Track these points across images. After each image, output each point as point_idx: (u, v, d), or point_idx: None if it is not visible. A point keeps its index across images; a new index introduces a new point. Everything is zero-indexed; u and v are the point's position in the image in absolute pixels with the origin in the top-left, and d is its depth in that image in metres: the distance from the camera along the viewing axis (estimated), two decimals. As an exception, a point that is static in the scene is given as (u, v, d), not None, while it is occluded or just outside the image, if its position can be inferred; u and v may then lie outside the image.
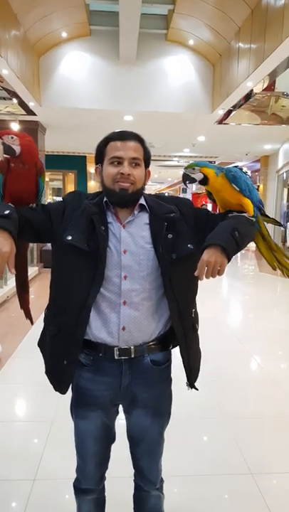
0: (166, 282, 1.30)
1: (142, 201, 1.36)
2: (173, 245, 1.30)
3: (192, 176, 1.47)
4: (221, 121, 7.69)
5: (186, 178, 1.49)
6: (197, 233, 1.37)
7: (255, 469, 2.25)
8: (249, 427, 2.70)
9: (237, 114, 7.20)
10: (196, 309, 1.45)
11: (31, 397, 3.10)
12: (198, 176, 1.47)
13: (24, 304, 1.60)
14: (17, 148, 1.37)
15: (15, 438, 2.56)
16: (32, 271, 7.80)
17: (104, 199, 1.35)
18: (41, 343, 1.46)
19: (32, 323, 1.63)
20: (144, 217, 1.35)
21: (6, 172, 1.40)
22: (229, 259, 1.22)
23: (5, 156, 1.37)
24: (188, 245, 1.33)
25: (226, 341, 4.44)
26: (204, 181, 1.47)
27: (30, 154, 1.42)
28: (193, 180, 1.48)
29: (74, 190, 1.49)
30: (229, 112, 7.12)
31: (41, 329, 1.47)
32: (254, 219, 1.46)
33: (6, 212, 1.22)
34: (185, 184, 1.52)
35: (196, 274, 1.19)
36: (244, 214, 1.42)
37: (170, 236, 1.31)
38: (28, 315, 1.62)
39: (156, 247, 1.31)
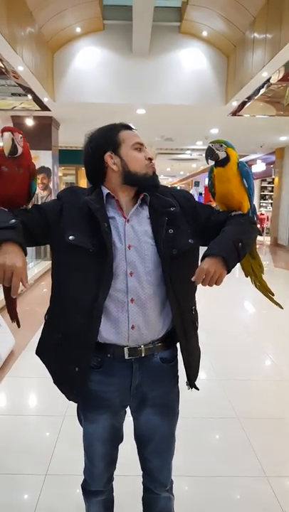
0: (166, 278, 1.27)
1: (145, 192, 1.33)
2: (173, 240, 1.28)
3: (217, 152, 1.41)
4: (234, 113, 7.59)
5: (210, 153, 1.42)
6: (197, 227, 1.34)
7: (271, 472, 2.21)
8: (264, 427, 2.66)
9: (251, 106, 7.09)
10: (195, 307, 1.42)
11: (43, 391, 3.13)
12: (222, 155, 1.41)
13: (11, 307, 1.50)
14: (20, 150, 1.34)
15: (27, 432, 2.58)
16: (43, 265, 7.85)
17: (106, 192, 1.31)
18: (41, 352, 1.40)
19: (19, 325, 1.53)
20: (145, 211, 1.32)
21: None
22: (229, 271, 1.22)
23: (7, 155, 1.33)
24: (189, 240, 1.30)
25: (239, 339, 4.40)
26: (223, 162, 1.41)
27: (27, 156, 1.38)
28: (216, 157, 1.41)
29: (68, 187, 1.44)
30: (243, 104, 7.02)
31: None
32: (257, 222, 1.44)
33: (12, 221, 1.17)
34: (207, 159, 1.45)
35: (193, 279, 1.18)
36: (248, 216, 1.40)
37: (171, 231, 1.28)
38: (15, 318, 1.53)
39: (157, 242, 1.28)
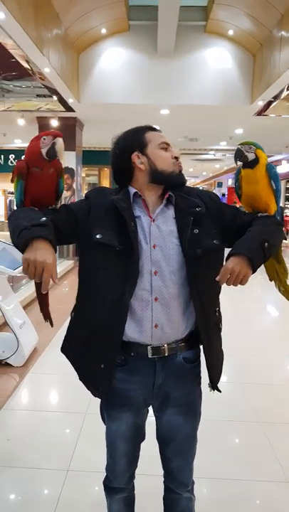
0: (190, 278, 1.27)
1: (170, 192, 1.34)
2: (198, 240, 1.28)
3: (246, 154, 1.41)
4: (260, 113, 7.50)
5: (239, 155, 1.42)
6: (222, 228, 1.34)
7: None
8: (286, 432, 2.62)
9: (277, 105, 6.98)
10: (219, 308, 1.42)
11: (66, 388, 3.16)
12: (251, 156, 1.41)
13: (44, 306, 1.53)
14: (58, 154, 1.37)
15: (49, 428, 2.62)
16: (67, 264, 7.95)
17: (133, 191, 1.33)
18: (67, 349, 1.42)
19: (52, 325, 1.56)
20: (171, 211, 1.33)
21: (27, 177, 1.37)
22: (254, 271, 1.21)
23: (46, 158, 1.36)
24: (214, 241, 1.30)
25: (262, 342, 4.35)
26: (252, 164, 1.41)
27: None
28: (245, 159, 1.41)
29: (97, 187, 1.47)
30: (269, 103, 6.92)
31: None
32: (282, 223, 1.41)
33: (42, 219, 1.20)
34: (236, 161, 1.45)
35: (217, 279, 1.18)
36: (274, 218, 1.39)
37: (196, 231, 1.28)
38: (48, 317, 1.55)
39: (182, 242, 1.28)
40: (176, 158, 1.34)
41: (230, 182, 18.66)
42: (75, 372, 1.42)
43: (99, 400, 1.46)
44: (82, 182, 10.00)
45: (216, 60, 6.90)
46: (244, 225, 1.34)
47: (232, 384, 3.18)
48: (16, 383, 3.21)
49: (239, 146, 1.42)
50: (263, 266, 1.34)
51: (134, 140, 1.33)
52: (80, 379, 1.41)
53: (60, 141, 1.35)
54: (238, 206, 1.55)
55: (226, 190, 19.05)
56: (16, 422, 2.70)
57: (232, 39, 6.80)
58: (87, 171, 14.01)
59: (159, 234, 1.29)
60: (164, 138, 1.34)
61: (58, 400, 3.14)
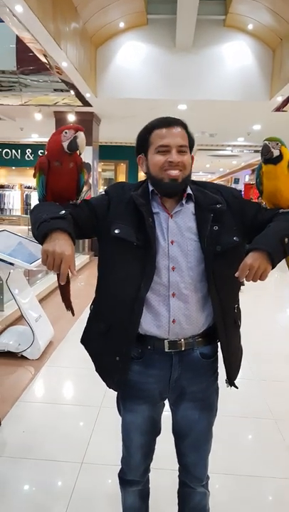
0: (209, 275, 1.27)
1: (189, 190, 1.33)
2: (218, 237, 1.27)
3: (272, 150, 1.40)
4: (279, 109, 7.39)
5: (266, 151, 1.41)
6: (244, 225, 1.33)
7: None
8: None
9: (297, 101, 6.88)
10: (238, 305, 1.41)
11: (80, 381, 3.19)
12: (276, 153, 1.40)
13: (65, 295, 1.55)
14: (78, 147, 1.38)
15: (64, 421, 2.64)
16: (83, 259, 7.99)
17: (151, 188, 1.33)
18: (86, 341, 1.44)
19: (73, 314, 1.58)
20: (190, 207, 1.32)
21: (48, 172, 1.39)
22: (274, 267, 1.19)
23: (67, 151, 1.37)
24: (234, 238, 1.29)
25: (278, 339, 4.31)
26: (276, 160, 1.40)
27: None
28: (270, 155, 1.40)
29: (117, 182, 1.48)
30: (288, 99, 6.82)
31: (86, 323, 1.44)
32: None
33: (62, 212, 1.22)
34: (262, 156, 1.44)
35: (236, 275, 1.17)
36: None
37: (216, 228, 1.27)
38: (70, 306, 1.57)
39: (201, 238, 1.27)
40: (171, 162, 1.25)
41: (247, 178, 18.46)
42: (90, 366, 1.44)
43: (113, 394, 1.47)
44: (98, 177, 10.02)
45: (235, 55, 6.81)
46: (265, 221, 1.32)
47: (247, 380, 3.16)
48: (31, 376, 3.24)
49: (266, 142, 1.41)
50: (284, 261, 1.32)
51: (140, 141, 1.33)
52: (96, 370, 1.43)
53: (81, 135, 1.36)
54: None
55: (242, 186, 18.85)
56: (31, 414, 2.73)
57: (251, 33, 6.70)
58: (103, 166, 14.03)
59: (177, 230, 1.29)
60: (164, 139, 1.26)
61: (73, 393, 3.16)
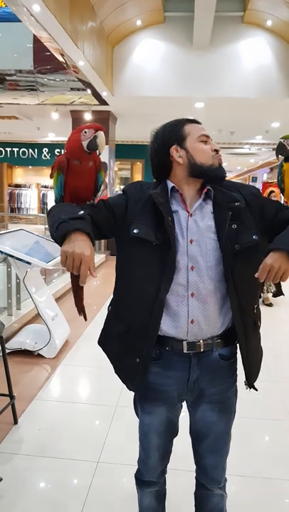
0: (227, 274, 1.25)
1: (208, 186, 1.31)
2: (236, 236, 1.24)
3: (288, 147, 1.38)
4: (298, 106, 7.29)
5: (281, 149, 1.40)
6: (264, 224, 1.30)
7: None
8: None
9: (317, 98, 6.76)
10: (258, 305, 1.38)
11: (96, 380, 3.19)
12: None
13: (79, 300, 1.53)
14: (98, 147, 1.37)
15: (80, 420, 2.64)
16: (98, 258, 8.00)
17: (170, 185, 1.31)
18: (104, 342, 1.43)
19: (86, 319, 1.56)
20: (209, 206, 1.30)
21: (66, 171, 1.38)
22: None
23: (86, 150, 1.36)
24: (254, 236, 1.26)
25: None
26: None
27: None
28: (287, 153, 1.39)
29: (134, 182, 1.46)
30: (308, 97, 6.71)
31: (104, 322, 1.43)
32: None
33: (80, 213, 1.21)
34: (277, 155, 1.43)
35: (256, 275, 1.15)
36: None
37: (234, 226, 1.25)
38: (82, 311, 1.55)
39: (220, 237, 1.25)
40: (216, 151, 1.31)
41: (265, 177, 18.25)
42: (106, 366, 1.43)
43: (130, 393, 1.45)
44: (114, 176, 10.03)
45: (253, 52, 6.73)
46: (286, 220, 1.29)
47: (264, 382, 3.11)
48: (47, 374, 3.26)
49: (281, 140, 1.38)
50: None
51: (172, 133, 1.32)
52: (116, 372, 1.41)
53: (101, 134, 1.36)
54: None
55: (260, 185, 18.65)
56: (47, 412, 2.74)
57: (270, 30, 6.61)
58: (119, 165, 14.05)
59: (196, 229, 1.27)
60: (203, 130, 1.32)
61: (89, 391, 3.17)
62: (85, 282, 1.16)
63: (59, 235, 1.17)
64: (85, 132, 1.35)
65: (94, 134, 1.34)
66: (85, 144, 1.35)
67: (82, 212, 1.22)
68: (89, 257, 1.12)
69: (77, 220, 1.18)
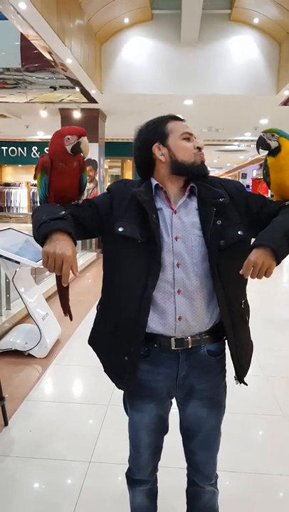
0: (213, 270, 1.25)
1: (192, 183, 1.31)
2: (222, 232, 1.25)
3: (268, 141, 1.37)
4: (286, 103, 7.32)
5: (261, 143, 1.38)
6: (249, 219, 1.31)
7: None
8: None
9: (304, 95, 6.80)
10: (246, 300, 1.39)
11: (88, 379, 3.18)
12: (274, 144, 1.36)
13: (64, 300, 1.53)
14: (82, 150, 1.36)
15: (72, 419, 2.64)
16: (89, 256, 7.99)
17: (154, 183, 1.31)
18: (94, 341, 1.43)
19: (71, 319, 1.55)
20: (194, 202, 1.31)
21: (50, 171, 1.37)
22: (278, 263, 1.17)
23: (71, 153, 1.35)
24: (239, 232, 1.27)
25: (287, 334, 4.27)
26: (275, 152, 1.37)
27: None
28: (267, 147, 1.38)
29: (118, 180, 1.46)
30: (296, 93, 6.75)
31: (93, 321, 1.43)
32: None
33: (62, 213, 1.21)
34: (258, 150, 1.42)
35: (241, 272, 1.15)
36: None
37: (219, 222, 1.25)
38: (68, 311, 1.54)
39: (205, 233, 1.26)
40: (199, 148, 1.31)
41: (254, 173, 18.34)
42: (98, 364, 1.42)
43: (121, 392, 1.46)
44: (105, 174, 10.00)
45: (241, 49, 6.75)
46: (271, 214, 1.30)
47: (255, 377, 3.14)
48: (38, 374, 3.24)
49: (261, 134, 1.38)
50: None
51: (155, 131, 1.32)
52: (105, 371, 1.41)
53: (85, 140, 1.34)
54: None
55: (250, 181, 18.73)
56: (38, 412, 2.73)
57: (257, 27, 6.63)
58: (110, 163, 14.01)
59: (181, 226, 1.27)
60: (186, 128, 1.32)
61: (81, 391, 3.16)
62: (68, 282, 1.16)
63: (40, 236, 1.18)
64: (68, 139, 1.33)
65: (77, 140, 1.33)
66: (68, 148, 1.34)
67: (63, 212, 1.22)
68: (70, 257, 1.12)
69: (58, 221, 1.18)
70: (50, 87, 6.61)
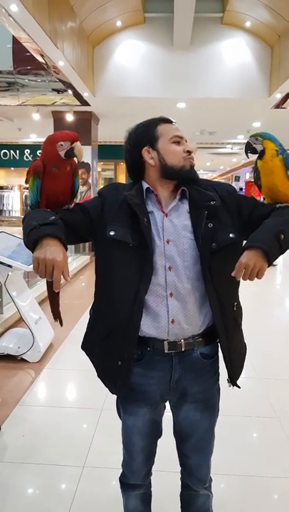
0: (205, 273, 1.25)
1: (183, 187, 1.31)
2: (213, 235, 1.25)
3: (254, 145, 1.37)
4: (278, 106, 7.37)
5: (248, 147, 1.39)
6: (241, 221, 1.30)
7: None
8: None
9: (296, 98, 6.84)
10: (238, 303, 1.38)
11: (81, 383, 3.16)
12: (259, 148, 1.37)
13: (55, 305, 1.51)
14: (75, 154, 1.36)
15: (65, 424, 2.62)
16: (83, 259, 7.97)
17: (145, 186, 1.31)
18: (87, 346, 1.42)
19: (61, 324, 1.54)
20: (185, 205, 1.30)
21: (43, 176, 1.36)
22: (270, 264, 1.17)
23: (64, 158, 1.34)
24: (230, 235, 1.27)
25: (280, 337, 4.28)
26: (260, 155, 1.38)
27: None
28: (254, 151, 1.38)
29: (109, 183, 1.45)
30: (287, 96, 6.78)
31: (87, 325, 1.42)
32: None
33: (52, 218, 1.20)
34: (246, 154, 1.43)
35: (232, 274, 1.14)
36: None
37: (210, 225, 1.25)
38: (58, 317, 1.53)
39: (197, 236, 1.25)
40: (189, 152, 1.31)
41: (247, 176, 18.42)
42: (91, 368, 1.42)
43: (115, 396, 1.45)
44: (98, 177, 9.99)
45: (233, 53, 6.79)
46: (263, 216, 1.30)
47: (249, 379, 3.14)
48: (31, 379, 3.22)
49: (248, 139, 1.39)
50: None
51: (145, 134, 1.31)
52: (99, 376, 1.40)
53: (78, 145, 1.34)
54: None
55: (243, 184, 18.82)
56: (31, 417, 2.70)
57: (249, 31, 6.68)
58: (103, 166, 14.01)
59: (172, 229, 1.27)
60: (177, 131, 1.31)
61: (74, 395, 3.14)
62: (59, 288, 1.14)
63: (30, 242, 1.16)
64: (61, 145, 1.33)
65: (70, 145, 1.33)
66: (62, 153, 1.34)
67: (53, 217, 1.21)
68: (61, 262, 1.11)
69: (48, 226, 1.17)
70: (53, 90, 6.60)
